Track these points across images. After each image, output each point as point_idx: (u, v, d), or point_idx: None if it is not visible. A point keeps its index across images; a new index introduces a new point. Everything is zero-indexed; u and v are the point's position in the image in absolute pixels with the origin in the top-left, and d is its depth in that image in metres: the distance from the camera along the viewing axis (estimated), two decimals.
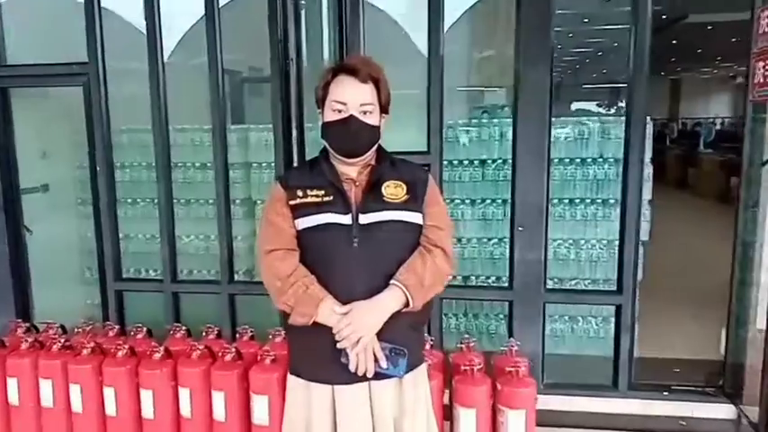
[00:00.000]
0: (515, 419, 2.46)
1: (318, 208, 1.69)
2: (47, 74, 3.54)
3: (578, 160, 3.69)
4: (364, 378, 1.64)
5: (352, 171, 1.74)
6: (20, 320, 3.27)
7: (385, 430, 1.69)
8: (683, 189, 11.90)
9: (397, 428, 1.72)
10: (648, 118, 3.61)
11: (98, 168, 3.52)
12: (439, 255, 1.73)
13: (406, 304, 1.66)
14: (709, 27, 9.87)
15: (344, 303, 1.64)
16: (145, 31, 3.41)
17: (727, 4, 6.05)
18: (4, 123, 3.64)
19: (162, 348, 2.83)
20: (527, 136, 3.12)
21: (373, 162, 1.76)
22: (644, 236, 3.67)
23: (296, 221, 1.70)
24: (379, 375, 1.65)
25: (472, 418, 2.48)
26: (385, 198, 1.71)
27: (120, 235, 3.84)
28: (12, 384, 2.91)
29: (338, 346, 1.61)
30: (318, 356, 1.68)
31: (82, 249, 4.31)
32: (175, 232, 3.66)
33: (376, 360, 1.62)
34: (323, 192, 1.70)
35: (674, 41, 11.68)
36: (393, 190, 1.72)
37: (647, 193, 3.61)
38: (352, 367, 1.61)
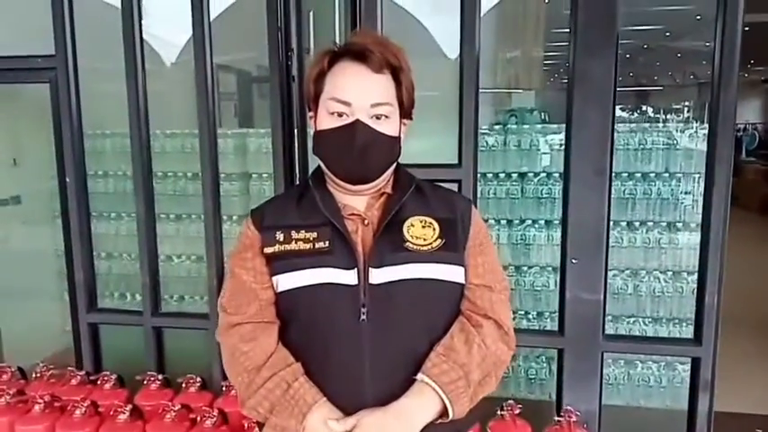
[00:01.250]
0: None
1: (308, 259, 1.12)
2: (6, 68, 3.02)
3: (638, 175, 3.08)
4: None
5: (358, 203, 1.17)
6: None
7: None
8: None
9: None
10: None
11: (67, 179, 2.99)
12: (491, 330, 1.15)
13: (444, 411, 1.08)
14: (746, 28, 9.28)
15: (347, 412, 1.06)
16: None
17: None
18: None
19: (129, 408, 2.28)
20: (583, 145, 2.52)
21: (390, 189, 1.19)
22: None
23: (274, 279, 1.14)
24: None
25: None
26: (408, 244, 1.14)
27: (103, 254, 3.35)
28: None
29: None
30: None
31: (60, 269, 3.80)
32: (161, 253, 3.15)
33: None
34: (315, 234, 1.13)
35: (707, 44, 11.09)
36: (420, 231, 1.15)
37: None
38: None
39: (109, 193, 3.58)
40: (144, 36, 3.04)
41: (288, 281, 1.13)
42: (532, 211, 3.18)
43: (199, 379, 2.55)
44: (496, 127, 3.30)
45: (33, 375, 2.69)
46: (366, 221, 1.17)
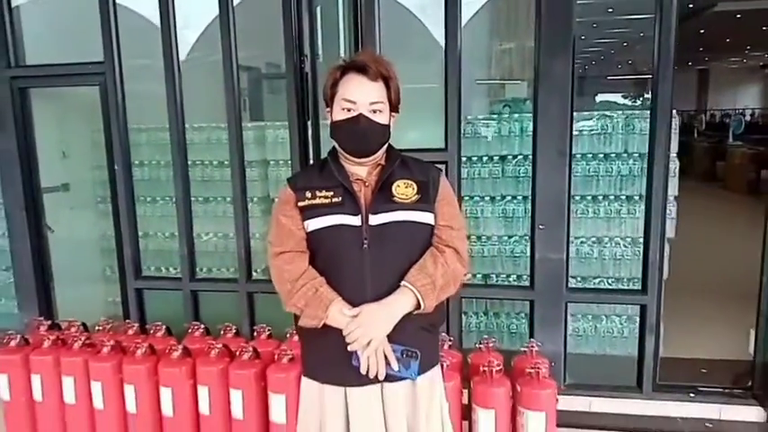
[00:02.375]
0: (535, 421, 2.41)
1: (327, 209, 1.65)
2: (64, 74, 3.57)
3: (601, 155, 3.59)
4: (376, 380, 1.61)
5: (361, 171, 1.70)
6: (42, 318, 3.31)
7: (398, 430, 1.65)
8: (712, 182, 11.65)
9: (411, 429, 1.69)
10: (674, 111, 3.54)
11: (116, 168, 3.54)
12: (451, 255, 1.68)
13: (418, 306, 1.62)
14: (737, 15, 9.64)
15: (354, 306, 1.60)
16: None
17: None
18: (24, 123, 3.68)
19: (181, 347, 2.84)
20: (547, 131, 3.05)
21: (383, 162, 1.72)
22: (669, 233, 3.58)
23: (305, 223, 1.67)
24: (391, 377, 1.62)
25: (491, 419, 2.44)
26: (395, 198, 1.67)
27: (140, 233, 3.87)
28: (35, 381, 2.94)
29: (349, 348, 1.57)
30: (330, 358, 1.65)
31: (103, 248, 4.36)
32: (194, 230, 3.67)
33: (387, 362, 1.59)
34: (332, 193, 1.66)
35: (701, 31, 11.47)
36: (403, 190, 1.68)
37: (672, 189, 3.53)
38: (363, 369, 1.58)
39: (144, 179, 4.09)
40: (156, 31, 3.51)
41: (314, 223, 1.66)
42: (512, 188, 3.69)
43: (234, 327, 3.09)
44: (481, 116, 3.78)
45: (95, 329, 3.23)
46: (367, 183, 1.69)
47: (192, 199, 3.80)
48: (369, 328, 1.56)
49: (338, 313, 1.59)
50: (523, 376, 2.49)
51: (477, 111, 4.04)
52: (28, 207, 3.71)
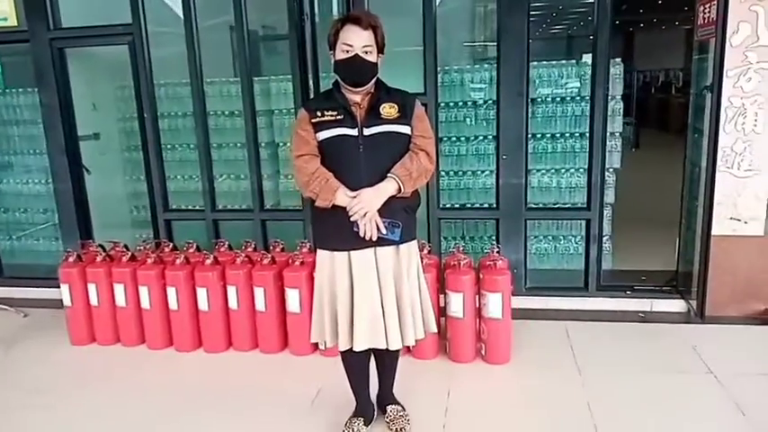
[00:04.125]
0: (494, 300, 3.09)
1: (333, 124, 2.28)
2: (97, 35, 4.13)
3: (558, 99, 4.22)
4: (371, 244, 2.27)
5: (357, 97, 2.33)
6: (89, 240, 3.95)
7: (387, 282, 2.32)
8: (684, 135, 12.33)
9: (397, 283, 2.35)
10: (619, 59, 4.17)
11: (145, 116, 4.13)
12: (423, 156, 2.33)
13: (399, 190, 2.27)
14: None
15: (354, 191, 2.25)
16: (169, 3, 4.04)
17: None
18: (63, 79, 4.25)
19: (212, 256, 3.49)
20: (508, 78, 3.67)
21: (373, 90, 2.35)
22: (615, 164, 4.24)
23: (317, 134, 2.31)
24: (381, 242, 2.27)
25: (460, 300, 3.12)
26: (382, 116, 2.30)
27: None
28: (92, 289, 3.60)
29: (351, 219, 2.23)
30: (338, 230, 2.29)
31: (129, 191, 4.98)
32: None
33: (379, 229, 2.24)
34: (336, 113, 2.29)
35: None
36: (388, 110, 2.31)
37: (617, 126, 4.17)
38: (361, 233, 2.23)
39: (164, 129, 4.66)
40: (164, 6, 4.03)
41: (324, 135, 2.28)
42: (483, 129, 4.32)
43: (253, 243, 3.74)
44: (455, 67, 4.37)
45: (137, 248, 3.86)
46: (361, 106, 2.31)
47: None
48: (365, 204, 2.22)
49: (343, 195, 2.24)
50: (485, 268, 3.17)
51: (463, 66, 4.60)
52: (68, 151, 4.31)
